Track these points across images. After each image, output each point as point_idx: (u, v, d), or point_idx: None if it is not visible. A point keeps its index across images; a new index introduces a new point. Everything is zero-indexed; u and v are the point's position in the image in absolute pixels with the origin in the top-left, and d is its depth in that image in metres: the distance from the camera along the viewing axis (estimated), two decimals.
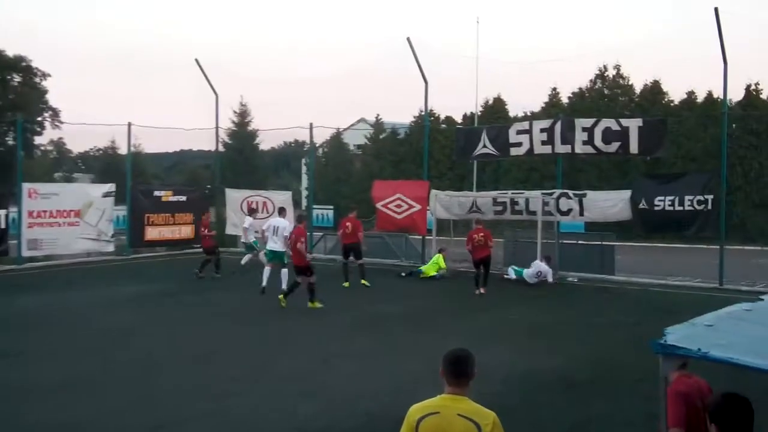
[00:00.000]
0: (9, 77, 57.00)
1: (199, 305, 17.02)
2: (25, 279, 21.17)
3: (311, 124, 28.08)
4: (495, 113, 42.85)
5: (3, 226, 22.68)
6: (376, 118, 51.47)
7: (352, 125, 54.10)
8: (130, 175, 27.75)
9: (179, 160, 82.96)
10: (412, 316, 15.64)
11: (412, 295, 18.54)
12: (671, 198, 20.04)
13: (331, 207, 47.22)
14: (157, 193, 27.91)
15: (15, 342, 12.87)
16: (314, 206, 31.18)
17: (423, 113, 31.51)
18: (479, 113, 42.11)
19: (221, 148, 35.60)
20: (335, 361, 11.43)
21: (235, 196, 29.01)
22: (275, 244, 18.11)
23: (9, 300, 17.39)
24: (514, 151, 23.37)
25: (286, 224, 18.53)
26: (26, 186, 23.60)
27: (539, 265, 20.58)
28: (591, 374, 10.77)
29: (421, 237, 24.97)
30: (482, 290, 18.52)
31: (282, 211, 20.35)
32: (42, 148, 66.27)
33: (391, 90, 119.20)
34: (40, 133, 59.49)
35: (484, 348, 12.15)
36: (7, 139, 55.44)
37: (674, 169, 31.83)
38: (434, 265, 21.95)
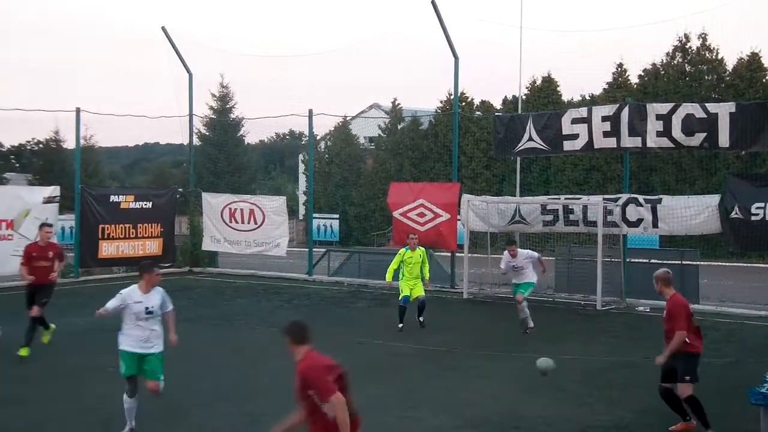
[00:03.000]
0: None
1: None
2: None
3: (311, 111, 28.07)
4: (544, 97, 42.77)
5: None
6: (393, 103, 51.38)
7: (363, 112, 54.05)
8: (79, 175, 27.75)
9: (142, 156, 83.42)
10: (434, 356, 15.53)
11: (434, 328, 18.40)
12: None
13: (336, 216, 47.53)
14: (114, 198, 27.90)
15: None
16: (315, 215, 31.13)
17: (452, 97, 31.46)
18: (524, 97, 41.97)
19: (196, 141, 35.78)
20: None
21: (214, 202, 29.07)
22: None
23: None
24: (568, 146, 23.29)
25: None
26: None
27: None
28: None
29: (450, 254, 24.89)
30: None
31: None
32: None
33: (412, 68, 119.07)
34: None
35: (527, 396, 12.08)
36: None
37: None
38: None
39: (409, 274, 18.75)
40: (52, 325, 16.35)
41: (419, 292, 18.69)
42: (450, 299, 22.75)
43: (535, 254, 18.75)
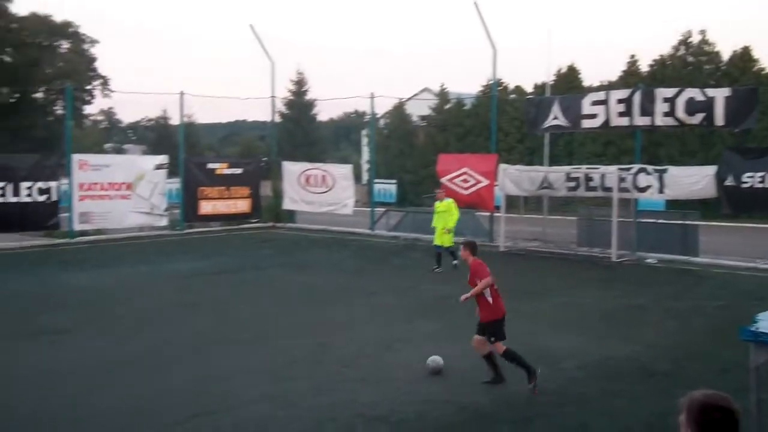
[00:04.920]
0: (57, 43, 57.65)
1: (259, 283, 17.16)
2: (75, 254, 21.63)
3: (372, 94, 28.11)
4: (568, 83, 42.18)
5: (54, 199, 23.08)
6: (441, 87, 51.02)
7: (415, 95, 53.78)
8: (183, 146, 28.12)
9: (233, 131, 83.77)
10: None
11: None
12: (761, 174, 19.53)
13: (394, 181, 47.44)
14: (211, 165, 28.26)
15: (60, 319, 13.06)
16: (376, 180, 31.14)
17: (491, 82, 31.22)
18: (551, 83, 41.45)
19: (277, 119, 35.89)
20: (398, 345, 11.41)
21: (292, 169, 29.22)
22: None
23: (57, 275, 17.80)
24: (587, 123, 23.01)
25: None
26: (76, 157, 23.99)
27: None
28: (671, 363, 10.51)
29: (489, 214, 24.80)
30: None
31: None
32: (91, 117, 67.08)
33: (457, 58, 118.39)
34: (89, 102, 59.98)
35: (554, 333, 12.06)
36: (55, 108, 56.22)
37: (765, 143, 30.99)
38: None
39: (438, 223, 19.52)
40: None
41: (439, 241, 19.36)
42: (489, 252, 22.65)
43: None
